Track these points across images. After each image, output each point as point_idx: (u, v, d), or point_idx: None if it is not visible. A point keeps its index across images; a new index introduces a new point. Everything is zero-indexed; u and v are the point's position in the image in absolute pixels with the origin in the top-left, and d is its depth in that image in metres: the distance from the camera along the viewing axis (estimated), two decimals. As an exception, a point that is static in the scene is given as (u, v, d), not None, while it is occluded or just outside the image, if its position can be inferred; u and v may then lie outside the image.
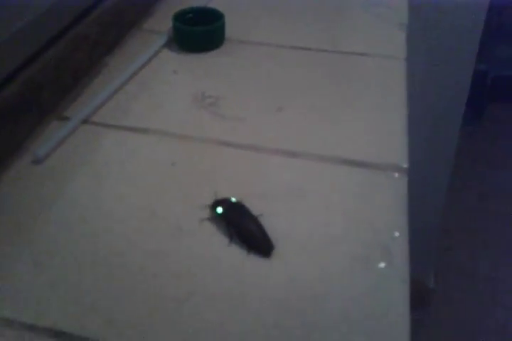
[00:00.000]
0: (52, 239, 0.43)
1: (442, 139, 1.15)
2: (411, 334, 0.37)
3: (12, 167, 0.49)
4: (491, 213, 1.51)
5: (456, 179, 1.19)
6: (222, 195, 0.46)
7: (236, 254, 0.41)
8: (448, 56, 1.04)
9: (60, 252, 0.41)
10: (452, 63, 1.04)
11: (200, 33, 0.66)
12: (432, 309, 1.18)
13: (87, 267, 0.40)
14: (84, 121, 0.54)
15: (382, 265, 0.41)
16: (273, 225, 0.43)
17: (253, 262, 0.41)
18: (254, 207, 0.45)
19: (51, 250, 0.42)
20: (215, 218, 0.43)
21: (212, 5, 0.70)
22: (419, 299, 1.16)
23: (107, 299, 0.38)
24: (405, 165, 0.50)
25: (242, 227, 0.42)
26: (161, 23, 0.70)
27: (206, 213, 0.44)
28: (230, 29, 0.68)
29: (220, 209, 0.43)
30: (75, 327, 0.36)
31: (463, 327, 1.22)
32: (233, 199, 0.44)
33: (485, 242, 1.44)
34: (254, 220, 0.43)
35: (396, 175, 0.49)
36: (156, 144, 0.52)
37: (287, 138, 0.53)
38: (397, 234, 0.44)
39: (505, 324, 1.23)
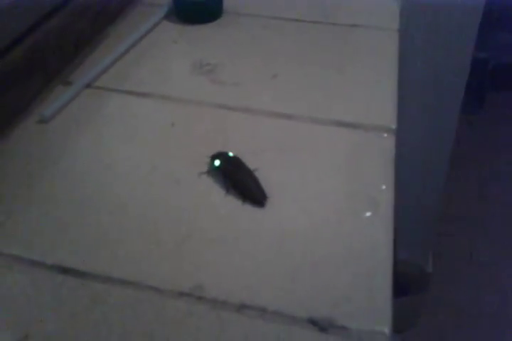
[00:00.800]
0: (57, 191, 0.45)
1: (441, 127, 1.16)
2: (392, 275, 0.39)
3: (19, 126, 0.52)
4: (490, 199, 1.53)
5: (456, 166, 1.21)
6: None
7: (232, 204, 0.44)
8: (446, 43, 1.06)
9: (65, 201, 0.44)
10: (451, 50, 1.06)
11: (198, 5, 0.68)
12: (430, 293, 1.21)
13: (92, 213, 0.43)
14: (88, 86, 0.57)
15: (368, 214, 0.44)
16: (267, 178, 0.46)
17: (248, 211, 0.44)
18: (250, 162, 0.47)
19: (58, 199, 0.44)
20: (213, 171, 0.46)
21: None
22: (418, 283, 1.18)
23: (110, 240, 0.41)
24: (393, 127, 0.53)
25: (238, 179, 0.45)
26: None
27: (204, 168, 0.47)
28: (228, 2, 0.70)
29: (217, 162, 0.46)
30: (82, 264, 0.39)
31: (460, 311, 1.25)
32: (230, 154, 0.47)
33: (484, 228, 1.45)
34: (249, 173, 0.46)
35: (385, 135, 0.52)
36: (156, 107, 0.55)
37: (281, 102, 0.56)
38: (383, 186, 0.46)
39: (502, 308, 1.25)
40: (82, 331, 0.35)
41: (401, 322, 1.17)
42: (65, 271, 0.38)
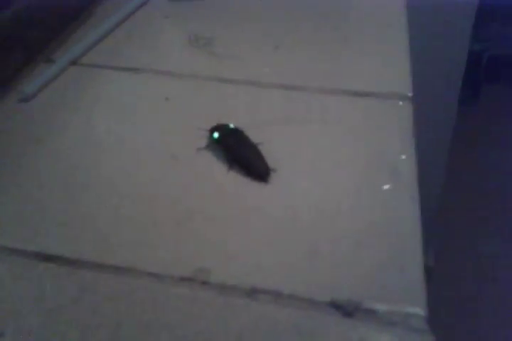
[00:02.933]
0: (41, 171, 0.40)
1: (439, 119, 1.13)
2: (423, 251, 0.35)
3: (-1, 104, 0.47)
4: (490, 192, 1.50)
5: (454, 158, 1.18)
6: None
7: (235, 180, 0.39)
8: (442, 36, 1.02)
9: (50, 183, 0.39)
10: (447, 43, 1.03)
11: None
12: (432, 287, 1.17)
13: (79, 196, 0.38)
14: (73, 63, 0.52)
15: (388, 186, 0.39)
16: (275, 152, 0.41)
17: (254, 187, 0.39)
18: (254, 137, 0.42)
19: (41, 182, 0.39)
20: (212, 145, 0.41)
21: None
22: None
23: (101, 223, 0.36)
24: (409, 94, 0.48)
25: (239, 152, 0.40)
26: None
27: (203, 143, 0.42)
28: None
29: (216, 135, 0.41)
30: (67, 251, 0.34)
31: (462, 304, 1.22)
32: (231, 126, 0.42)
33: (485, 221, 1.42)
34: (251, 146, 0.41)
35: (400, 103, 0.47)
36: (148, 82, 0.50)
37: (286, 73, 0.51)
38: (403, 156, 0.41)
39: (504, 301, 1.23)
40: (69, 325, 0.30)
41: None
42: (48, 258, 0.33)
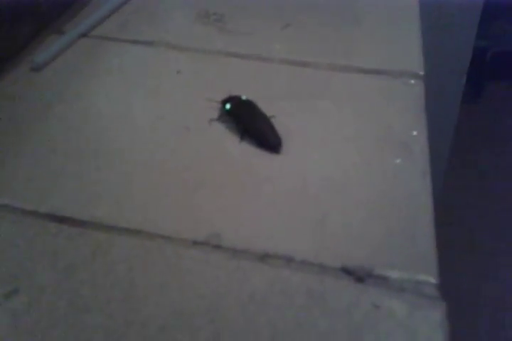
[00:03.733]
0: (53, 137, 0.40)
1: (442, 117, 1.13)
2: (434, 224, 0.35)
3: (11, 73, 0.47)
4: (490, 189, 1.50)
5: (455, 156, 1.18)
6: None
7: (247, 150, 0.39)
8: (447, 32, 1.02)
9: (62, 148, 0.39)
10: (453, 39, 1.02)
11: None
12: None
13: (91, 161, 0.38)
14: (84, 35, 0.52)
15: (400, 160, 0.39)
16: (286, 125, 0.41)
17: (266, 157, 0.39)
18: (266, 109, 0.42)
19: (53, 146, 0.39)
20: (224, 116, 0.41)
21: None
22: None
23: (113, 188, 0.36)
24: (421, 72, 0.48)
25: (251, 123, 0.40)
26: None
27: (215, 115, 0.42)
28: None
29: (228, 106, 0.41)
30: (80, 213, 0.34)
31: (461, 299, 1.22)
32: (244, 97, 0.42)
33: (484, 217, 1.43)
34: (263, 117, 0.41)
35: (412, 81, 0.47)
36: (160, 55, 0.50)
37: (296, 50, 0.51)
38: (414, 132, 0.42)
39: (502, 296, 1.23)
40: (81, 284, 0.30)
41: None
42: (60, 220, 0.33)
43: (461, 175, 1.49)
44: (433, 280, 0.30)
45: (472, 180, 1.52)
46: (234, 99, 0.42)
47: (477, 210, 1.45)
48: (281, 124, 0.41)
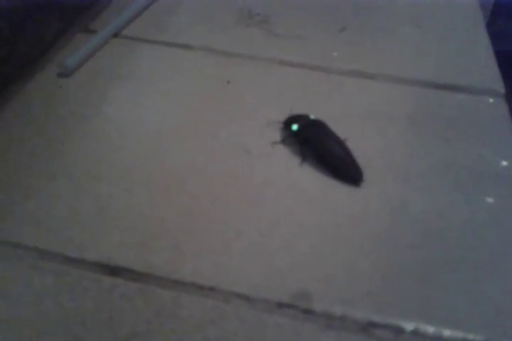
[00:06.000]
0: (93, 159, 0.34)
1: None
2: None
3: (37, 78, 0.40)
4: None
5: None
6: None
7: (321, 181, 0.34)
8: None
9: (102, 173, 0.33)
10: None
11: None
12: None
13: (139, 190, 0.32)
14: (115, 35, 0.45)
15: (491, 199, 0.33)
16: (361, 151, 0.35)
17: (343, 190, 0.33)
18: (337, 131, 0.37)
19: (94, 172, 0.33)
20: (289, 137, 0.36)
21: None
22: None
23: (171, 227, 0.30)
24: (502, 90, 0.42)
25: (326, 149, 0.34)
26: None
27: (275, 136, 0.37)
28: None
29: (295, 127, 0.35)
30: (137, 262, 0.28)
31: None
32: (312, 116, 0.36)
33: None
34: (338, 141, 0.35)
35: (491, 100, 0.42)
36: (202, 61, 0.44)
37: (359, 59, 0.45)
38: (504, 163, 0.36)
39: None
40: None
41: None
42: (114, 271, 0.27)
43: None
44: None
45: None
46: (301, 119, 0.36)
47: None
48: (356, 149, 0.36)
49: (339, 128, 0.37)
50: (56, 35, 0.43)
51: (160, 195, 0.32)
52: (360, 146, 0.36)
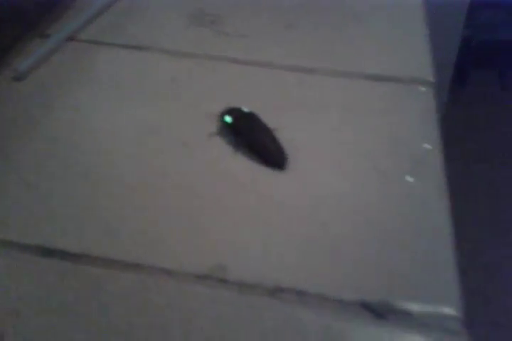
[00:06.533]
0: (39, 156, 0.37)
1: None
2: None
3: (-9, 83, 0.43)
4: (475, 177, 1.51)
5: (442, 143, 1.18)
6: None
7: (249, 167, 0.37)
8: (435, 22, 1.00)
9: (47, 170, 0.36)
10: (439, 29, 1.00)
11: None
12: None
13: (80, 183, 0.35)
14: (71, 38, 0.48)
15: (411, 178, 0.36)
16: (291, 139, 0.38)
17: (270, 175, 0.36)
18: (268, 121, 0.40)
19: (38, 168, 0.36)
20: (224, 130, 0.39)
21: None
22: None
23: (106, 216, 0.33)
24: (432, 79, 0.45)
25: (254, 137, 0.37)
26: None
27: (213, 128, 0.39)
28: None
29: (228, 119, 0.38)
30: (71, 245, 0.31)
31: None
32: (245, 109, 0.39)
33: (469, 205, 1.43)
34: (267, 131, 0.38)
35: (422, 89, 0.44)
36: (153, 61, 0.47)
37: (299, 55, 0.48)
38: (427, 146, 0.39)
39: (486, 284, 1.24)
40: (74, 325, 0.27)
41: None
42: (50, 253, 0.31)
43: (447, 162, 1.50)
44: (457, 313, 0.28)
45: (456, 168, 1.53)
46: (234, 112, 0.39)
47: (462, 198, 1.45)
48: (286, 138, 0.38)
49: (273, 119, 0.39)
50: (13, 41, 0.46)
51: (95, 185, 0.35)
52: (291, 135, 0.39)
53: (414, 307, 0.28)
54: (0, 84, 0.43)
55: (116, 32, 0.50)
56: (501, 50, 1.79)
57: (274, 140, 0.37)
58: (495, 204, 1.43)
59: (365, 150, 0.39)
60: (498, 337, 1.14)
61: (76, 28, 0.49)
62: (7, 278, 0.29)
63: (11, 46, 0.46)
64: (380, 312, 0.28)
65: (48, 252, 0.30)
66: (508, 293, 1.21)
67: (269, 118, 0.39)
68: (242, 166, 0.36)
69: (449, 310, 0.28)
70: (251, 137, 0.37)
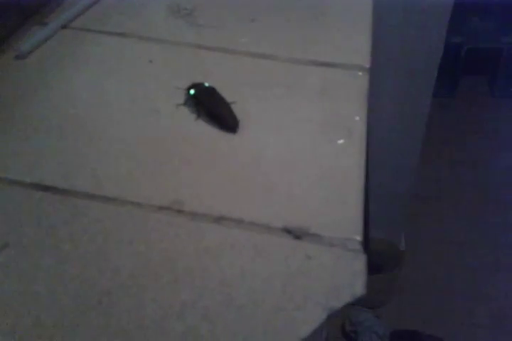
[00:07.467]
0: (36, 118, 0.46)
1: (414, 110, 1.17)
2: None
3: (-2, 60, 0.52)
4: (462, 181, 1.57)
5: (428, 148, 1.23)
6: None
7: (208, 131, 0.45)
8: (419, 27, 1.06)
9: (44, 128, 0.45)
10: (424, 34, 1.06)
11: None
12: (403, 270, 1.25)
13: (71, 138, 0.44)
14: (64, 26, 0.57)
15: (342, 141, 0.45)
16: (242, 110, 0.47)
17: (224, 137, 0.45)
18: (228, 96, 0.48)
19: (36, 127, 0.45)
20: (189, 101, 0.47)
21: None
22: (391, 260, 1.22)
23: (90, 161, 0.41)
24: (367, 66, 0.54)
25: (212, 106, 0.46)
26: None
27: (181, 100, 0.48)
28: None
29: (192, 91, 0.47)
30: (61, 182, 0.39)
31: (431, 288, 1.28)
32: (206, 84, 0.48)
33: (455, 208, 1.49)
34: (224, 102, 0.47)
35: (360, 73, 0.53)
36: (133, 45, 0.55)
37: (260, 44, 0.57)
38: (357, 118, 0.48)
39: (471, 285, 1.29)
40: (62, 240, 0.36)
41: (375, 299, 1.22)
42: (44, 188, 0.39)
43: (433, 167, 1.57)
44: (358, 237, 0.37)
45: (444, 172, 1.59)
46: (198, 86, 0.47)
47: (449, 201, 1.52)
48: (241, 109, 0.47)
49: (230, 94, 0.48)
50: (16, 27, 0.54)
51: (84, 139, 0.44)
52: (244, 107, 0.47)
53: (326, 232, 0.37)
54: (5, 61, 0.51)
55: (104, 21, 0.58)
56: (491, 56, 1.86)
57: (229, 109, 0.46)
58: (481, 205, 1.49)
59: (307, 120, 0.47)
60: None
61: (70, 17, 0.57)
62: (10, 206, 0.37)
63: (14, 31, 0.54)
64: (297, 234, 0.36)
65: (42, 188, 0.39)
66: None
67: (227, 94, 0.48)
68: (202, 129, 0.45)
69: (351, 235, 0.37)
70: (210, 106, 0.46)
